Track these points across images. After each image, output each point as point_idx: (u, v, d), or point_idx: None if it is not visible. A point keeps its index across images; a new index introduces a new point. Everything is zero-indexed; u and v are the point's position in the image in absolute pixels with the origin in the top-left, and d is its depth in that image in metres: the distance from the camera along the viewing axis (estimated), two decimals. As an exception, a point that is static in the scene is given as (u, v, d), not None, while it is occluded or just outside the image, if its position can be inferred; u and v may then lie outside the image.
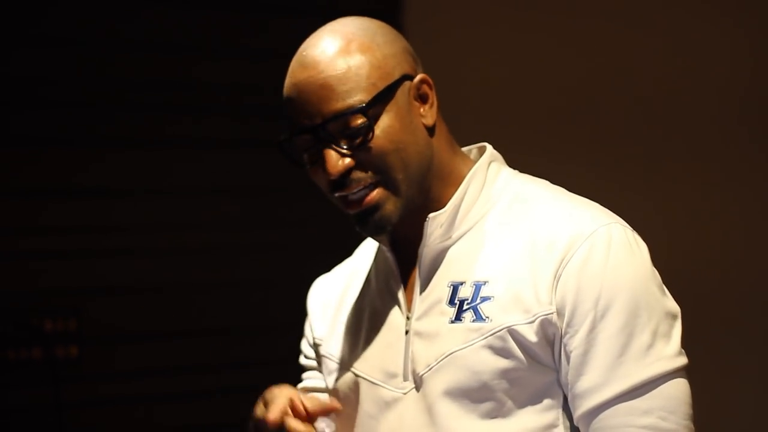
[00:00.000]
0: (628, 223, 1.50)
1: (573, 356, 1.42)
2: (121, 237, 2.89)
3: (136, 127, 2.91)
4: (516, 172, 1.59)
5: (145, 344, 2.90)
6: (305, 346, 1.76)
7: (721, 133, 3.16)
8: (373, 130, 1.46)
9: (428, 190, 1.52)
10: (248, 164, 3.05)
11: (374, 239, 1.59)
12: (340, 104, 1.46)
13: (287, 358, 3.01)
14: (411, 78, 1.51)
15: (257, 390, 2.97)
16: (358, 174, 1.48)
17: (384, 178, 1.48)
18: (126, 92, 2.90)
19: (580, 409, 1.43)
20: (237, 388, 3.01)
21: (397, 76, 1.49)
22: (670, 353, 1.42)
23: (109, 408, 2.85)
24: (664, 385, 1.41)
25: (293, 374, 2.99)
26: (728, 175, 3.16)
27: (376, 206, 1.49)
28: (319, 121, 1.47)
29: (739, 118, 3.15)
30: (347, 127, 1.46)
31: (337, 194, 1.50)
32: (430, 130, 1.52)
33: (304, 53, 1.50)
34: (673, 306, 1.45)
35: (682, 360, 1.43)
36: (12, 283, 2.77)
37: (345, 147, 1.47)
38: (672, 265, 2.95)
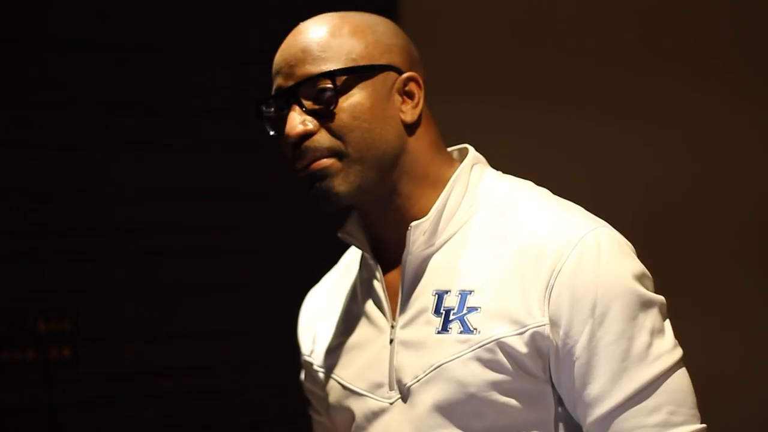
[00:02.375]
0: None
1: (576, 366, 1.41)
2: (115, 239, 2.88)
3: (131, 129, 2.90)
4: (499, 173, 1.57)
5: (139, 346, 2.89)
6: (302, 374, 1.75)
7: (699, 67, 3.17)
8: (337, 100, 1.46)
9: (400, 189, 1.51)
10: (248, 166, 3.04)
11: (354, 245, 1.58)
12: (312, 68, 1.47)
13: (282, 361, 3.01)
14: (399, 72, 1.50)
15: (252, 392, 2.99)
16: (316, 142, 1.47)
17: (340, 151, 1.46)
18: (125, 93, 2.89)
19: (591, 417, 1.42)
20: (231, 390, 3.01)
21: (381, 62, 1.49)
22: (667, 348, 1.42)
23: (102, 410, 2.85)
24: (668, 380, 1.41)
25: (287, 377, 3.00)
26: (710, 107, 3.17)
27: (324, 173, 1.47)
28: (291, 83, 1.48)
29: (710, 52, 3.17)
30: (316, 93, 1.46)
31: (296, 164, 1.49)
32: (408, 127, 1.50)
33: (300, 24, 1.53)
34: (661, 300, 1.45)
35: (680, 352, 1.44)
36: (6, 284, 2.76)
37: (310, 110, 1.47)
38: (665, 198, 3.01)
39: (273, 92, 1.51)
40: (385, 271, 1.56)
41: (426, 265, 1.51)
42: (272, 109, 1.52)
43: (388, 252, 1.55)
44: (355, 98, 1.47)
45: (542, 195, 1.53)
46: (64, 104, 2.83)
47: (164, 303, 2.93)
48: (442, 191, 1.51)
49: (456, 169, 1.53)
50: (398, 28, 1.55)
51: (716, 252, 3.15)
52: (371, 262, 1.56)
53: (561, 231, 1.44)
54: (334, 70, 1.46)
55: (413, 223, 1.49)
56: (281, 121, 1.50)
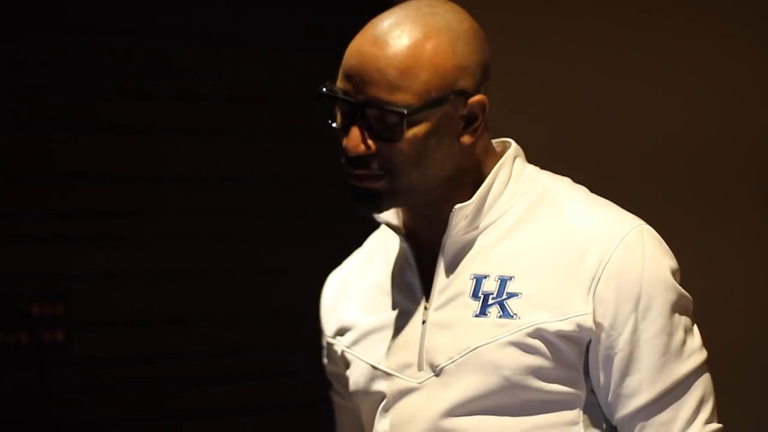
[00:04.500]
0: None
1: (617, 358, 1.45)
2: (110, 223, 2.87)
3: (125, 114, 2.89)
4: (539, 168, 1.59)
5: (133, 330, 2.89)
6: (324, 357, 1.75)
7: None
8: (404, 134, 1.45)
9: (444, 194, 1.52)
10: (241, 154, 3.04)
11: (388, 226, 1.59)
12: (385, 95, 1.44)
13: (277, 345, 3.02)
14: (469, 95, 1.48)
15: (246, 377, 3.00)
16: (370, 163, 1.47)
17: (393, 178, 1.47)
18: (122, 79, 2.88)
19: (627, 408, 1.46)
20: (224, 376, 3.01)
21: (455, 90, 1.46)
22: (698, 346, 1.49)
23: (94, 393, 2.84)
24: (699, 377, 1.48)
25: (282, 362, 3.01)
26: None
27: (372, 192, 1.48)
28: (361, 99, 1.45)
29: None
30: (383, 119, 1.45)
31: (346, 168, 1.50)
32: (464, 148, 1.50)
33: (383, 24, 1.47)
34: (690, 299, 1.51)
35: (706, 352, 1.50)
36: (0, 266, 2.75)
37: (372, 135, 1.46)
38: None
39: (340, 89, 1.48)
40: (417, 254, 1.57)
41: (466, 250, 1.52)
42: (338, 102, 1.49)
43: (422, 236, 1.57)
44: (420, 131, 1.45)
45: (582, 191, 1.56)
46: (59, 88, 2.82)
47: (158, 288, 2.93)
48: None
49: (497, 162, 1.55)
50: (479, 35, 1.50)
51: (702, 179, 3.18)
52: (404, 244, 1.57)
53: (606, 226, 1.48)
54: (406, 113, 1.43)
55: (457, 206, 1.50)
56: (344, 118, 1.49)
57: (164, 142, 2.93)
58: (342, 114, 1.49)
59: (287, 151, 3.05)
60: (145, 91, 2.91)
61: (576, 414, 1.47)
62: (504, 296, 1.47)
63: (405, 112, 1.43)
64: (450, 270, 1.53)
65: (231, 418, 3.02)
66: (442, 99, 1.46)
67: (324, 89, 1.50)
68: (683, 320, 1.47)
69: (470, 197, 1.51)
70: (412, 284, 1.56)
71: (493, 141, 1.60)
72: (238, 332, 3.03)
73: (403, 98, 1.44)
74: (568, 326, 1.45)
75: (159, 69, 2.93)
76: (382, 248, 1.67)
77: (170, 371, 2.93)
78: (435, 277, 1.54)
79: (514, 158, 1.56)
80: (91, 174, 2.85)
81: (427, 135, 1.46)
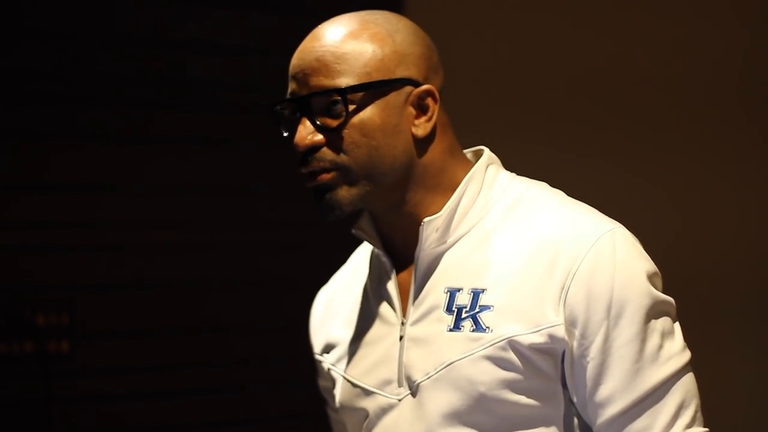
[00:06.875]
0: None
1: (590, 367, 1.43)
2: (115, 233, 2.87)
3: (129, 124, 2.89)
4: (514, 175, 1.57)
5: (138, 340, 2.89)
6: (318, 375, 1.74)
7: (721, 116, 3.17)
8: (348, 116, 1.45)
9: (409, 197, 1.50)
10: (248, 163, 3.04)
11: (366, 241, 1.58)
12: (326, 81, 1.46)
13: (280, 357, 3.02)
14: (415, 84, 1.49)
15: (249, 388, 2.99)
16: (322, 154, 1.47)
17: (345, 166, 1.47)
18: (124, 89, 2.89)
19: (602, 417, 1.44)
20: (229, 386, 3.01)
21: (397, 75, 1.47)
22: (677, 350, 1.44)
23: (99, 404, 2.84)
24: (677, 381, 1.43)
25: (284, 373, 3.00)
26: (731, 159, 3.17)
27: (328, 187, 1.48)
28: (305, 92, 1.47)
29: (736, 101, 3.17)
30: (328, 106, 1.46)
31: (301, 170, 1.49)
32: (420, 140, 1.49)
33: (319, 26, 1.51)
34: (671, 301, 1.47)
35: (688, 354, 1.46)
36: (5, 276, 2.75)
37: (320, 124, 1.47)
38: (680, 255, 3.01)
39: (288, 95, 1.50)
40: (396, 268, 1.55)
41: (438, 263, 1.51)
42: (286, 111, 1.51)
43: (398, 250, 1.55)
44: (365, 114, 1.46)
45: (557, 196, 1.53)
46: (63, 97, 2.82)
47: (162, 298, 2.92)
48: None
49: (468, 171, 1.53)
50: (419, 33, 1.53)
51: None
52: (384, 258, 1.55)
53: (576, 232, 1.44)
54: (346, 88, 1.45)
55: (426, 219, 1.49)
56: (294, 123, 1.50)
57: (168, 151, 2.93)
58: (291, 116, 1.50)
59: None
60: (146, 101, 2.91)
61: (555, 428, 1.45)
62: (477, 309, 1.45)
63: (344, 86, 1.45)
64: (424, 284, 1.51)
65: (237, 429, 3.02)
66: (384, 82, 1.46)
67: (274, 105, 1.51)
68: (660, 324, 1.43)
69: (441, 209, 1.50)
70: (391, 299, 1.55)
71: (468, 151, 1.58)
72: (244, 342, 3.02)
73: (343, 81, 1.46)
74: (540, 338, 1.42)
75: (168, 79, 2.94)
76: (365, 263, 1.66)
77: (175, 381, 2.93)
78: (410, 292, 1.52)
79: (487, 166, 1.54)
80: (95, 184, 2.85)
81: (374, 120, 1.46)
